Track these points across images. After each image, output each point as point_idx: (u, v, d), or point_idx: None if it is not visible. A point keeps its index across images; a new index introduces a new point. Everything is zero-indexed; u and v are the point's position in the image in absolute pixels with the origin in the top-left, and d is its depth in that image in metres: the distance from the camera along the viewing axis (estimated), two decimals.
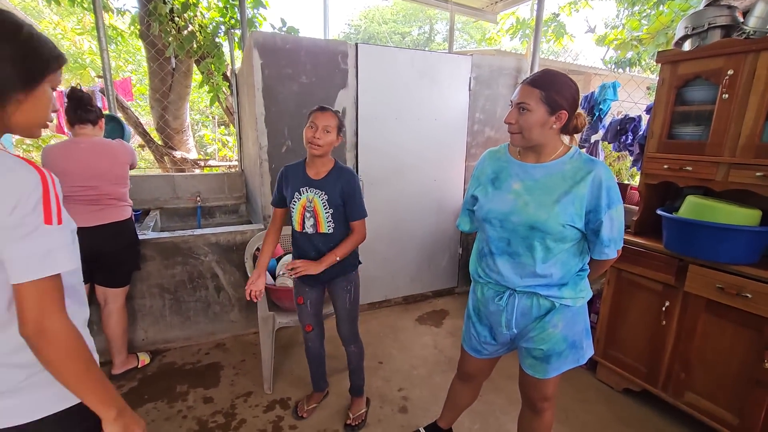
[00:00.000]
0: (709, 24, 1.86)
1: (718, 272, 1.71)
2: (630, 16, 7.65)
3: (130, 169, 2.23)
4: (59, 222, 0.76)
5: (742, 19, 1.82)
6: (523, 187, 1.24)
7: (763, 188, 1.66)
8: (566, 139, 1.31)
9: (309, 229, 1.68)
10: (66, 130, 2.55)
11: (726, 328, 1.73)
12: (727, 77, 1.73)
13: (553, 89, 1.16)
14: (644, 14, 7.21)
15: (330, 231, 1.68)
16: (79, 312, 0.89)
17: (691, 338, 1.85)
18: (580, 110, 1.23)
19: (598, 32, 7.94)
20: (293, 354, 2.53)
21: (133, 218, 2.28)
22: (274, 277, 2.26)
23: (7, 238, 0.70)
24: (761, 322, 1.60)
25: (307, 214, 1.66)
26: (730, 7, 1.86)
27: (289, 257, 2.32)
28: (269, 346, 2.15)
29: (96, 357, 0.86)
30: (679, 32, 1.99)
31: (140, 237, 2.37)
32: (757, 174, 1.66)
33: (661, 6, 5.78)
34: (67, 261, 0.76)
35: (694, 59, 1.86)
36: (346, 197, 1.66)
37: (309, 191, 1.65)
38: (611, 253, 1.23)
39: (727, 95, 1.73)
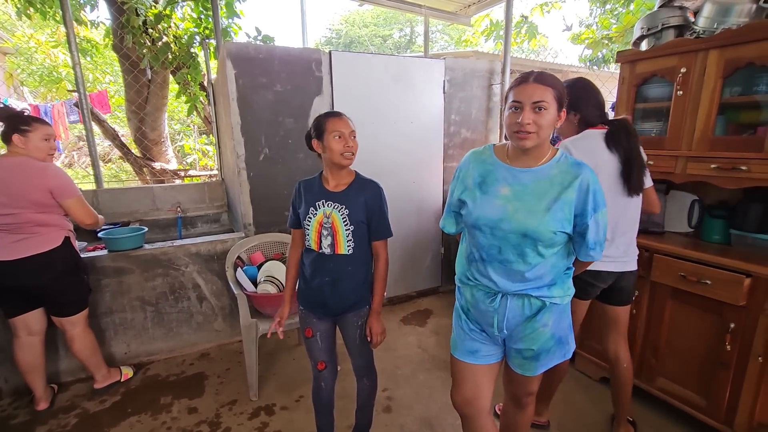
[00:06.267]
0: (663, 24, 1.95)
1: (680, 261, 1.79)
2: (602, 15, 7.85)
3: (65, 198, 1.90)
4: None
5: (693, 19, 1.92)
6: (511, 192, 1.20)
7: (719, 179, 1.74)
8: None
9: (326, 249, 1.49)
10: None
11: (691, 314, 1.81)
12: (680, 75, 1.81)
13: (559, 88, 1.14)
14: (615, 12, 7.41)
15: (350, 252, 1.49)
16: None
17: (659, 325, 1.92)
18: None
19: (575, 30, 8.14)
20: (278, 360, 2.54)
21: (70, 241, 2.00)
22: (255, 285, 2.28)
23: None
24: (721, 307, 1.68)
25: (324, 232, 1.48)
26: (681, 8, 1.95)
27: (270, 264, 2.34)
28: (253, 353, 2.16)
29: None
30: (636, 32, 2.08)
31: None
32: (712, 166, 1.75)
33: (631, 5, 5.96)
34: None
35: (650, 58, 1.94)
36: (371, 212, 1.51)
37: (326, 205, 1.49)
38: (596, 255, 1.22)
39: (681, 92, 1.82)
